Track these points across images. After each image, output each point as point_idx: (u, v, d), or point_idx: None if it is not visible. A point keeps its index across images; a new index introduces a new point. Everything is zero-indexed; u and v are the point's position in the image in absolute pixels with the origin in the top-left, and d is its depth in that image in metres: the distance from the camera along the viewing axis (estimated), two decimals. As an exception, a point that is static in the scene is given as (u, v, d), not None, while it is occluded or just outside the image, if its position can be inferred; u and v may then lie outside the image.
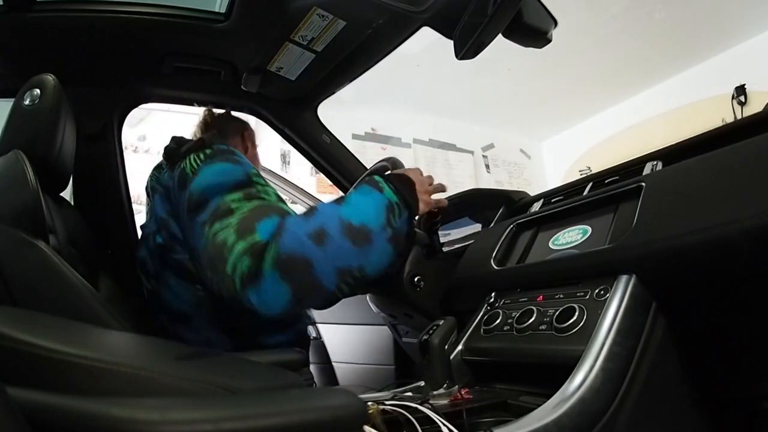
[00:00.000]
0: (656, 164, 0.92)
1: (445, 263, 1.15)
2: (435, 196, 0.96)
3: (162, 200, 0.93)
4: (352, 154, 1.66)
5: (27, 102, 0.87)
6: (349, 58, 1.29)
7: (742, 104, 3.72)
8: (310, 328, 1.93)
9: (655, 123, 4.30)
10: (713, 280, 0.67)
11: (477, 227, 1.41)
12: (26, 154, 0.81)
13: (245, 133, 1.20)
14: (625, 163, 1.02)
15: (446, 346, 0.82)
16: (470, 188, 1.50)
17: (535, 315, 0.77)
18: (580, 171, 4.68)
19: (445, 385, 0.76)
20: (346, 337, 1.79)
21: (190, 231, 0.80)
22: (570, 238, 0.88)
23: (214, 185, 0.79)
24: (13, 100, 0.90)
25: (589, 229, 0.86)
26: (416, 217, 0.87)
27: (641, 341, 0.66)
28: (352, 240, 0.70)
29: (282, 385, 0.57)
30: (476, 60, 1.03)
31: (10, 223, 0.73)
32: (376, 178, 0.81)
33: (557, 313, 0.73)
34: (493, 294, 0.93)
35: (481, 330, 0.87)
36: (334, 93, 1.50)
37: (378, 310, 1.35)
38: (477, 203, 1.41)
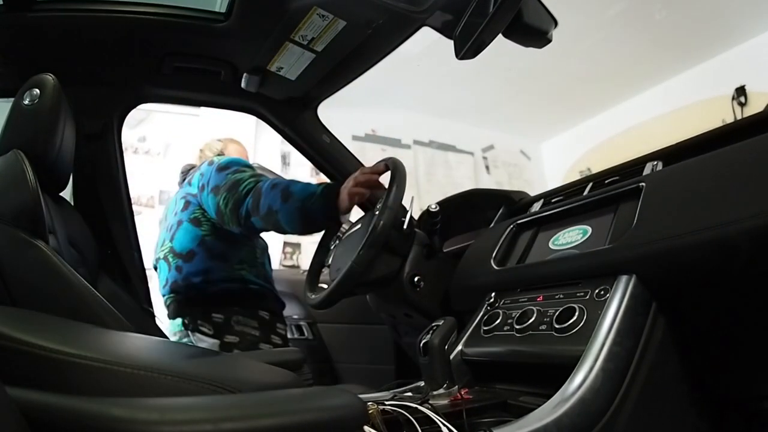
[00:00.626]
0: (656, 164, 0.92)
1: (445, 263, 1.15)
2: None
3: (185, 185, 1.48)
4: (353, 155, 1.66)
5: (26, 102, 0.87)
6: (349, 58, 1.29)
7: (742, 105, 3.72)
8: (310, 328, 1.93)
9: (655, 124, 4.30)
10: (713, 280, 0.67)
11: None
12: (26, 154, 0.81)
13: None
14: (625, 163, 1.02)
15: (446, 347, 0.82)
16: (470, 188, 1.50)
17: (535, 315, 0.77)
18: (580, 172, 4.69)
19: (445, 386, 0.76)
20: (346, 337, 1.79)
21: (216, 179, 1.31)
22: (570, 238, 0.88)
23: (235, 160, 1.36)
24: (12, 99, 0.90)
25: (589, 229, 0.86)
26: (345, 210, 1.15)
27: (641, 341, 0.66)
28: (282, 195, 1.15)
29: (282, 385, 0.57)
30: (476, 61, 1.03)
31: (9, 223, 0.73)
32: (325, 186, 1.18)
33: (557, 313, 0.73)
34: (493, 294, 0.93)
35: (481, 330, 0.87)
36: (334, 93, 1.50)
37: (378, 310, 1.35)
38: (477, 203, 1.41)
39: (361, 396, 0.54)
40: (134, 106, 1.41)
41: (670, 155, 0.92)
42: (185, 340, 1.37)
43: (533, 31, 0.98)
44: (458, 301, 1.08)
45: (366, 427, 0.49)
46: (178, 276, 1.39)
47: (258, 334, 1.40)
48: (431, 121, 4.60)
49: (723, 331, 0.72)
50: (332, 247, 1.27)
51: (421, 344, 0.82)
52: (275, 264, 3.08)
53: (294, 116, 1.54)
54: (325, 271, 1.28)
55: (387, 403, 0.61)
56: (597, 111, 4.92)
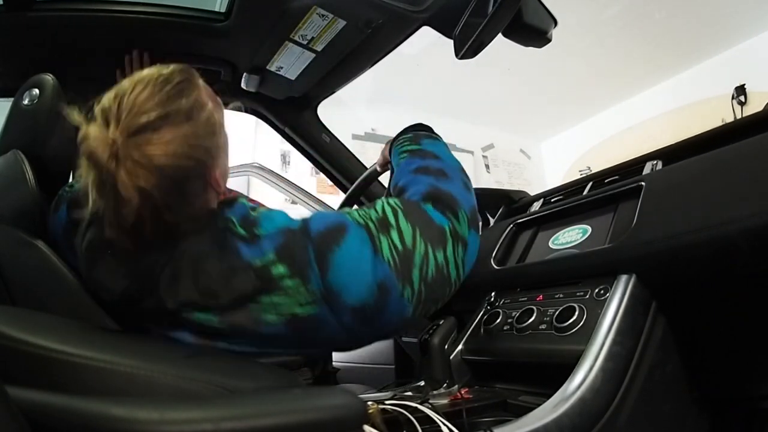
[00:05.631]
0: (656, 164, 0.92)
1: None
2: None
3: None
4: (352, 154, 1.65)
5: (26, 102, 0.87)
6: (349, 58, 1.29)
7: (742, 104, 3.73)
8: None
9: (655, 123, 4.30)
10: (713, 279, 0.67)
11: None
12: (25, 154, 0.81)
13: None
14: (624, 162, 1.02)
15: (446, 346, 0.82)
16: (470, 188, 1.49)
17: (535, 314, 0.77)
18: (580, 171, 4.69)
19: (444, 385, 0.76)
20: (346, 336, 1.79)
21: None
22: (570, 237, 0.88)
23: None
24: (12, 99, 0.90)
25: (589, 228, 0.86)
26: None
27: (641, 341, 0.66)
28: None
29: (282, 385, 0.57)
30: (476, 60, 1.03)
31: (9, 223, 0.73)
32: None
33: (557, 312, 0.73)
34: (493, 293, 0.93)
35: (481, 329, 0.87)
36: (334, 92, 1.50)
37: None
38: (476, 203, 1.40)
39: (361, 396, 0.54)
40: (134, 106, 1.41)
41: (669, 154, 0.92)
42: None
43: (533, 31, 0.98)
44: (458, 300, 1.07)
45: (366, 427, 0.49)
46: None
47: None
48: (431, 119, 4.56)
49: (723, 331, 0.72)
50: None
51: (421, 343, 0.82)
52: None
53: (294, 116, 1.54)
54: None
55: (387, 402, 0.61)
56: (597, 110, 4.93)
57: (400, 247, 0.66)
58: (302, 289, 0.61)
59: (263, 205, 0.73)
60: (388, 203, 0.71)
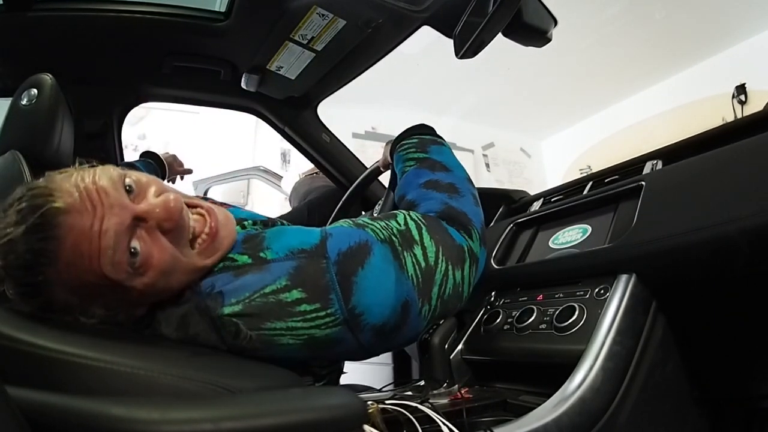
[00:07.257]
0: (656, 163, 0.92)
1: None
2: None
3: None
4: (352, 153, 1.66)
5: (24, 102, 0.87)
6: (349, 58, 1.29)
7: (742, 103, 3.72)
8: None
9: (656, 122, 4.30)
10: (713, 278, 0.67)
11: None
12: (23, 155, 0.81)
13: None
14: (625, 162, 1.02)
15: (446, 345, 0.82)
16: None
17: (535, 314, 0.77)
18: (580, 170, 4.69)
19: (445, 385, 0.76)
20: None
21: None
22: (570, 237, 0.88)
23: None
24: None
25: (589, 228, 0.86)
26: None
27: (641, 340, 0.66)
28: None
29: (282, 385, 0.57)
30: (476, 59, 1.03)
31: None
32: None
33: (557, 312, 0.73)
34: (493, 293, 0.93)
35: (482, 329, 0.87)
36: (334, 92, 1.50)
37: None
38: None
39: (361, 395, 0.54)
40: (134, 106, 1.41)
41: (669, 154, 0.92)
42: None
43: (533, 31, 0.98)
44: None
45: (366, 426, 0.49)
46: None
47: None
48: (431, 118, 4.56)
49: (723, 330, 0.72)
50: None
51: (421, 343, 0.82)
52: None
53: (293, 115, 1.54)
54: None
55: (387, 402, 0.61)
56: (597, 109, 4.92)
57: (423, 264, 0.64)
58: (322, 314, 0.58)
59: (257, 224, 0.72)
60: (411, 217, 0.69)
